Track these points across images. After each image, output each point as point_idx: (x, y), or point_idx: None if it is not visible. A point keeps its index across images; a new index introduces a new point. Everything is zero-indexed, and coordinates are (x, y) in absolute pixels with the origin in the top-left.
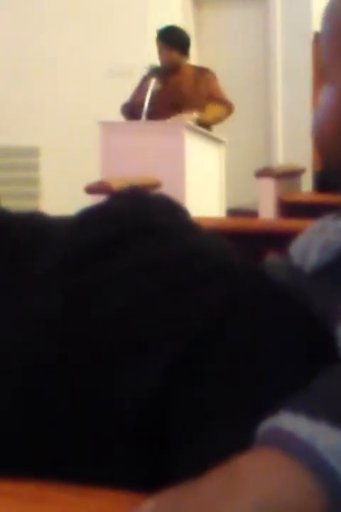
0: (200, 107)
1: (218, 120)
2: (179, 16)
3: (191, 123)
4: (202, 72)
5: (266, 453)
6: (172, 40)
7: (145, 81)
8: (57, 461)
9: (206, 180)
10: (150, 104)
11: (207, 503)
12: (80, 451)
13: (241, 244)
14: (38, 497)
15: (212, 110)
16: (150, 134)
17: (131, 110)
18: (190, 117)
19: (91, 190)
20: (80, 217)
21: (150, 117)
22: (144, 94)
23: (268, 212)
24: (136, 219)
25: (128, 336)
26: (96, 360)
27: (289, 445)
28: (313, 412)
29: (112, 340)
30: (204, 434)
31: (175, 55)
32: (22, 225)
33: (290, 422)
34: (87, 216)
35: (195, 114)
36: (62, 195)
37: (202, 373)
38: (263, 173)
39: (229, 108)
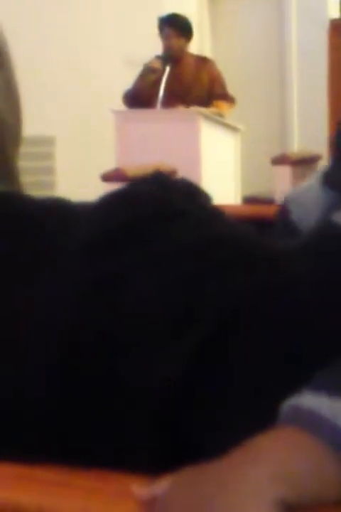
0: (202, 96)
1: (224, 117)
2: (194, 7)
3: (206, 111)
4: (203, 62)
5: (285, 430)
6: (181, 26)
7: (154, 70)
8: (79, 445)
9: (221, 168)
10: (157, 92)
11: (221, 477)
12: (103, 435)
13: (258, 231)
14: (60, 482)
15: (221, 107)
16: (165, 122)
17: (135, 98)
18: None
19: (107, 178)
20: (104, 202)
21: (152, 106)
22: (151, 86)
23: None
24: (160, 204)
25: (154, 321)
26: (124, 345)
27: (309, 421)
28: (334, 390)
29: (138, 325)
30: (226, 418)
31: (182, 42)
32: (47, 211)
33: (310, 399)
34: (112, 201)
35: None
36: (78, 184)
37: (226, 358)
38: (279, 160)
39: (232, 103)
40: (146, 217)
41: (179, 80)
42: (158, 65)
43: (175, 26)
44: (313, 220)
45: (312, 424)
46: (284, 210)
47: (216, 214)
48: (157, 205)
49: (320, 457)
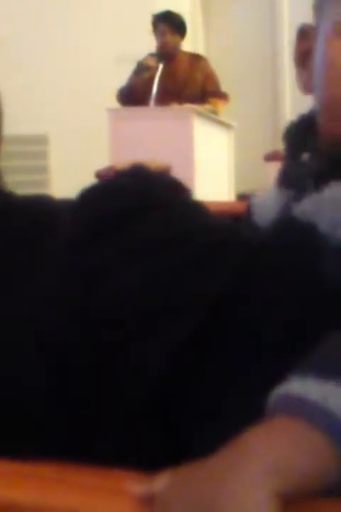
0: (196, 94)
1: (219, 114)
2: (187, 4)
3: (199, 108)
4: (197, 59)
5: (275, 420)
6: (176, 23)
7: (148, 68)
8: (72, 440)
9: (215, 165)
10: (150, 90)
11: (218, 474)
12: (95, 430)
13: (238, 223)
14: (57, 479)
15: (216, 105)
16: (158, 119)
17: (129, 95)
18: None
19: (101, 175)
20: (85, 196)
21: (146, 103)
22: (145, 83)
23: None
24: (141, 196)
25: (137, 312)
26: (111, 337)
27: (299, 408)
28: (321, 374)
29: (125, 317)
30: (216, 412)
31: (177, 39)
32: (29, 207)
33: (298, 385)
34: (92, 194)
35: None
36: (71, 182)
37: (214, 348)
38: (272, 156)
39: (226, 100)
40: (127, 210)
41: (173, 78)
42: (152, 62)
43: (170, 23)
44: (270, 220)
45: (301, 410)
46: (247, 214)
47: (197, 207)
48: (137, 198)
49: (312, 443)
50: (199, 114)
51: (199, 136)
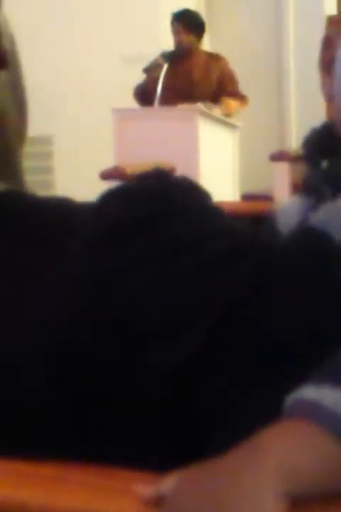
0: (210, 94)
1: (233, 112)
2: (191, 3)
3: (204, 108)
4: (215, 59)
5: (289, 423)
6: (191, 23)
7: (157, 66)
8: (85, 439)
9: (220, 166)
10: (161, 89)
11: (230, 474)
12: (108, 431)
13: (257, 228)
14: (60, 478)
15: (228, 105)
16: (163, 120)
17: (143, 94)
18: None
19: (105, 175)
20: (104, 200)
21: (161, 103)
22: (156, 81)
23: (283, 196)
24: (162, 200)
25: (152, 315)
26: (121, 338)
27: (313, 413)
28: (337, 381)
29: (136, 319)
30: (230, 412)
31: (192, 38)
32: (49, 209)
33: (313, 391)
34: (112, 199)
35: (211, 108)
36: (76, 183)
37: (226, 350)
38: (278, 156)
39: (243, 102)
40: (146, 214)
41: (187, 77)
42: (161, 61)
43: (184, 22)
44: (294, 226)
45: (315, 415)
46: (270, 220)
47: (215, 211)
48: (157, 203)
49: (324, 447)
50: (204, 115)
51: (204, 136)
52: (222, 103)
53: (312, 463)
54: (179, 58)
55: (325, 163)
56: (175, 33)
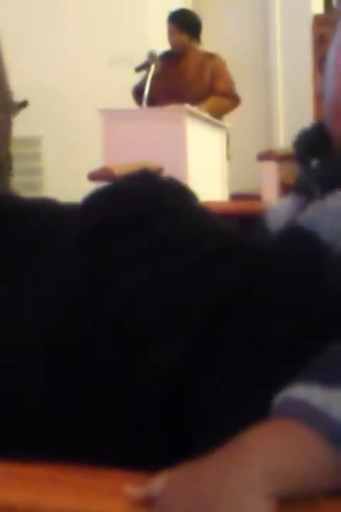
0: (202, 93)
1: (219, 112)
2: (178, 4)
3: (192, 108)
4: (210, 58)
5: (278, 422)
6: (182, 22)
7: (145, 67)
8: (75, 439)
9: (208, 166)
10: (150, 90)
11: (218, 474)
12: (99, 430)
13: (246, 227)
14: (52, 479)
15: (213, 103)
16: (151, 120)
17: (139, 93)
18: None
19: (94, 177)
20: (91, 200)
21: (151, 104)
22: (157, 78)
23: (271, 195)
24: (149, 200)
25: (141, 315)
26: (111, 339)
27: (302, 413)
28: (326, 380)
29: (126, 319)
30: (222, 411)
31: (184, 38)
32: (34, 210)
33: (302, 390)
34: (100, 198)
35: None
36: (65, 184)
37: (216, 349)
38: (265, 156)
39: (233, 100)
40: (134, 214)
41: (181, 77)
42: (150, 61)
43: (177, 22)
44: (326, 224)
45: (304, 414)
46: (261, 219)
47: (202, 211)
48: (144, 202)
49: (312, 447)
50: (192, 115)
51: (192, 136)
52: (207, 101)
53: (299, 463)
54: (172, 58)
55: (314, 163)
56: (169, 33)
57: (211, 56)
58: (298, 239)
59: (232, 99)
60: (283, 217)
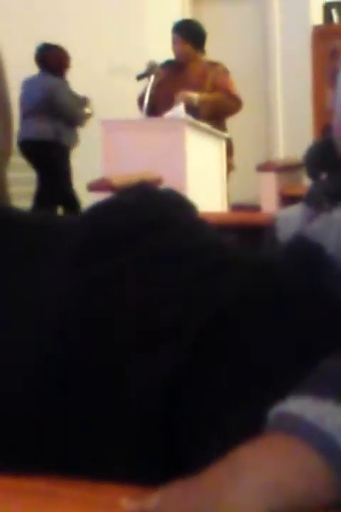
0: None
1: (218, 106)
2: (178, 12)
3: (191, 118)
4: (213, 66)
5: (272, 437)
6: (188, 33)
7: (144, 77)
8: (70, 452)
9: (207, 176)
10: (152, 99)
11: (213, 490)
12: (93, 442)
13: (245, 238)
14: (49, 492)
15: (217, 96)
16: (150, 130)
17: (143, 102)
18: (191, 96)
19: (93, 187)
20: (91, 212)
21: (155, 113)
22: (153, 89)
23: (270, 206)
24: (148, 212)
25: (138, 326)
26: (112, 350)
27: (296, 428)
28: (319, 394)
29: (123, 330)
30: (215, 425)
31: (188, 47)
32: (34, 222)
33: (295, 405)
34: (99, 210)
35: (196, 95)
36: None
37: (212, 364)
38: (265, 167)
39: (234, 101)
40: (132, 227)
41: (184, 85)
42: (149, 70)
43: (180, 32)
44: (332, 236)
45: (297, 429)
46: (272, 228)
47: (200, 223)
48: (143, 216)
49: (307, 462)
50: (191, 125)
51: (191, 146)
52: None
53: (295, 478)
54: (175, 67)
55: (324, 176)
56: (173, 42)
57: (214, 64)
58: (302, 251)
59: (235, 101)
60: (293, 227)
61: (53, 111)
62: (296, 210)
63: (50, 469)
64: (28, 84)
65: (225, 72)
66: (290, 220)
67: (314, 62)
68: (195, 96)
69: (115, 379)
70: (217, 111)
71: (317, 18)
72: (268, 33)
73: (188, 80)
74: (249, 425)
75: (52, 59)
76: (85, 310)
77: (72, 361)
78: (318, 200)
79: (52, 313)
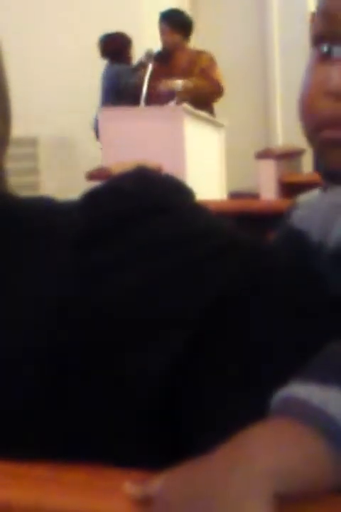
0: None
1: (199, 93)
2: (175, 2)
3: (190, 107)
4: (198, 54)
5: (276, 422)
6: (176, 22)
7: (142, 66)
8: (70, 440)
9: (206, 164)
10: (140, 90)
11: (217, 474)
12: (93, 430)
13: (243, 225)
14: (52, 478)
15: (196, 81)
16: (149, 119)
17: (128, 95)
18: (176, 84)
19: (92, 176)
20: (89, 197)
21: (147, 102)
22: (141, 79)
23: (269, 194)
24: (147, 198)
25: (140, 313)
26: (109, 338)
27: (301, 412)
28: (324, 379)
29: (124, 317)
30: (215, 410)
31: (177, 37)
32: (31, 209)
33: (300, 389)
34: (96, 196)
35: (179, 82)
36: (61, 184)
37: (214, 350)
38: (263, 154)
39: (215, 87)
40: (129, 213)
41: (172, 75)
42: (145, 60)
43: (169, 22)
44: (317, 222)
45: (303, 413)
46: (290, 213)
47: (199, 209)
48: (140, 201)
49: (312, 447)
50: (190, 113)
51: (189, 135)
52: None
53: (300, 462)
54: (164, 57)
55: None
56: (161, 32)
57: (200, 53)
58: (290, 238)
59: (217, 87)
60: (313, 212)
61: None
62: (315, 194)
63: (50, 457)
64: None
65: (212, 59)
66: (309, 204)
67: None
68: (178, 82)
69: (115, 366)
70: (197, 97)
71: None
72: (267, 20)
73: (175, 70)
74: (252, 407)
75: (111, 46)
76: (84, 297)
77: (71, 348)
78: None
79: (52, 299)
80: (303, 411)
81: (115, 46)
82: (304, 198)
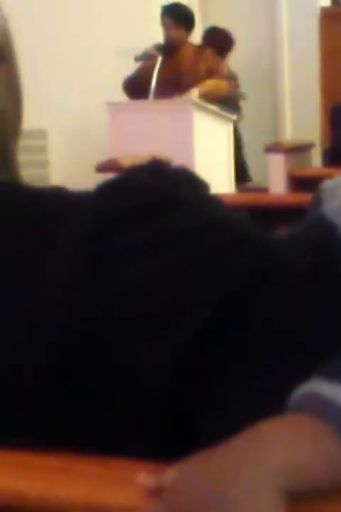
0: (196, 84)
1: (219, 91)
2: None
3: (198, 100)
4: (201, 50)
5: (296, 418)
6: (180, 16)
7: (149, 59)
8: (78, 431)
9: (215, 158)
10: (144, 83)
11: (232, 466)
12: (102, 422)
13: (252, 219)
14: (63, 469)
15: (211, 82)
16: (158, 112)
17: (134, 86)
18: (192, 94)
19: (101, 168)
20: (103, 189)
21: (145, 96)
22: (149, 72)
23: (278, 188)
24: (160, 190)
25: (150, 303)
26: (122, 327)
27: (323, 410)
28: None
29: (134, 308)
30: (227, 400)
31: (181, 32)
32: (44, 199)
33: (326, 388)
34: (110, 188)
35: (196, 91)
36: (72, 176)
37: (225, 339)
38: (273, 148)
39: (226, 81)
40: (143, 205)
41: (176, 69)
42: (153, 52)
43: (174, 16)
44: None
45: (325, 412)
46: (317, 199)
47: (213, 201)
48: (154, 193)
49: (332, 446)
50: (199, 107)
51: (198, 128)
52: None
53: (318, 461)
54: (169, 51)
55: None
56: (165, 27)
57: (202, 48)
58: (317, 230)
59: (226, 81)
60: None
61: None
62: None
63: (54, 445)
64: None
65: (214, 55)
66: (337, 191)
67: (321, 44)
68: (194, 93)
69: (125, 356)
70: (216, 97)
71: (325, 0)
72: (276, 15)
73: (180, 64)
74: (265, 399)
75: (215, 41)
76: (95, 288)
77: (81, 339)
78: None
79: (62, 289)
80: (325, 409)
81: (220, 42)
82: (331, 185)
